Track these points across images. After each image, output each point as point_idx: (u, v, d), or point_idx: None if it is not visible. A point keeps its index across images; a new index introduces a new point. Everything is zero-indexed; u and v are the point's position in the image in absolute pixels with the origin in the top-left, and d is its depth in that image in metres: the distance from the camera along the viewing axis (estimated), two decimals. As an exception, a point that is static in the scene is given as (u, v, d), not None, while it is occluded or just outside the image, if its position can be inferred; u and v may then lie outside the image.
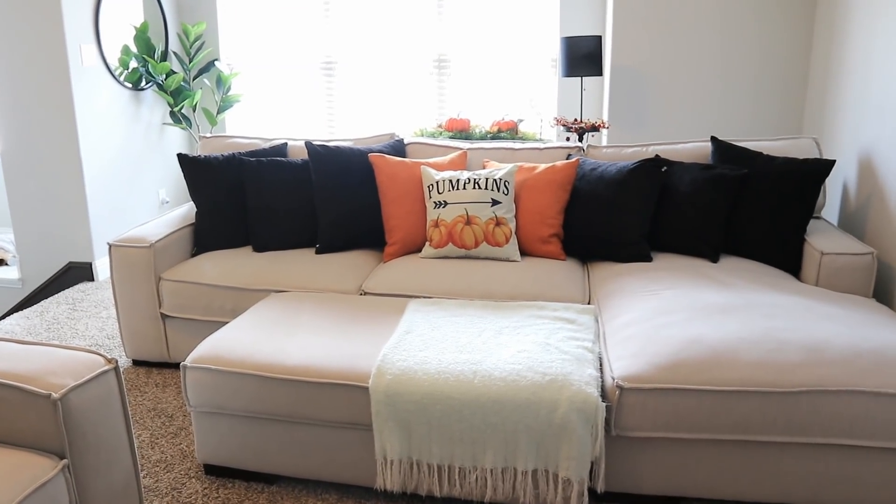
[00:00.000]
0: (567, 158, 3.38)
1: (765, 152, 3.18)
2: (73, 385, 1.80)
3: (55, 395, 1.76)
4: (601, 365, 2.24)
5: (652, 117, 4.61)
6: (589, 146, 3.45)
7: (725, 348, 2.13)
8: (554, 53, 5.00)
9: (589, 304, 2.80)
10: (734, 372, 2.06)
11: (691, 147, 3.31)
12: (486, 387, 2.06)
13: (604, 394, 2.12)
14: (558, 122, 4.38)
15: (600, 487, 2.13)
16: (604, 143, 4.79)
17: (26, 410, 1.79)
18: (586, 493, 2.09)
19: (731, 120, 4.55)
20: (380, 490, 2.32)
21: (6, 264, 5.17)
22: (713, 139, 3.23)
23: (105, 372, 1.90)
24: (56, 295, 4.36)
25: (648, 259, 3.01)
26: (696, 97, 4.55)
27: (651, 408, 2.07)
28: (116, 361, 1.94)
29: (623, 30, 4.50)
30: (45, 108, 4.42)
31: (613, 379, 2.10)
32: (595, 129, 4.33)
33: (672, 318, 2.34)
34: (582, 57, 4.29)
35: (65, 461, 1.78)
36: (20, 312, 4.07)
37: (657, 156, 3.11)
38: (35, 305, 4.19)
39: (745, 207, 3.01)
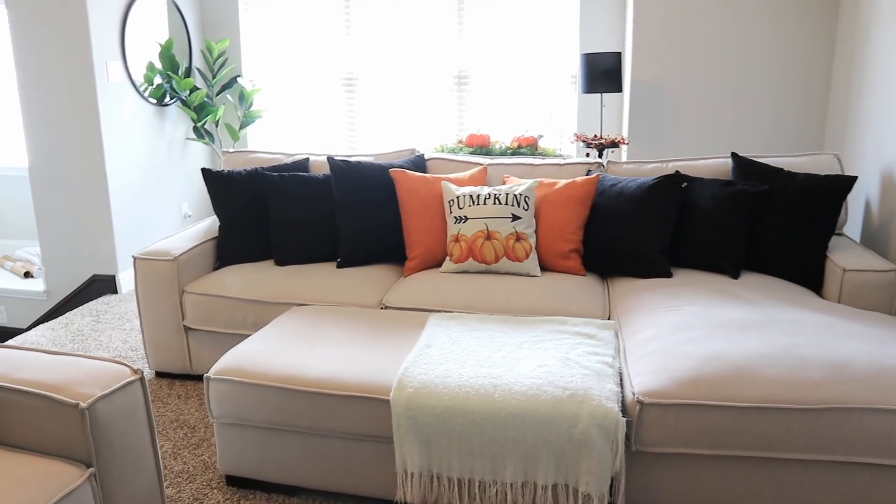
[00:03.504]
0: (587, 174, 3.39)
1: (786, 168, 3.17)
2: (100, 395, 1.83)
3: (83, 405, 1.79)
4: (621, 380, 2.24)
5: (671, 133, 4.61)
6: (609, 162, 3.46)
7: (746, 364, 2.13)
8: (574, 70, 5.02)
9: (609, 319, 2.80)
10: (755, 388, 2.05)
11: (711, 163, 3.32)
12: (507, 401, 2.07)
13: (624, 409, 2.12)
14: (578, 137, 4.40)
15: (620, 503, 2.12)
16: (623, 158, 4.80)
17: (54, 419, 1.82)
18: (606, 508, 2.09)
19: (752, 136, 4.55)
20: (400, 503, 2.32)
21: (32, 277, 5.24)
22: (734, 155, 3.24)
23: (131, 382, 1.94)
24: (80, 307, 4.42)
25: (668, 275, 3.01)
26: (716, 113, 4.55)
27: (671, 423, 2.07)
28: (142, 372, 1.97)
29: (643, 46, 4.52)
30: (72, 124, 4.51)
31: (634, 394, 2.10)
32: (615, 144, 4.34)
33: (692, 334, 2.34)
34: (602, 73, 4.31)
35: (91, 469, 1.81)
36: (46, 324, 4.13)
37: (677, 172, 3.11)
38: (60, 317, 4.25)
39: (766, 224, 3.00)
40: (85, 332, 3.94)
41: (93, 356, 2.02)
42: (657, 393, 2.08)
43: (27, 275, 5.25)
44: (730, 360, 2.15)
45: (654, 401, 2.06)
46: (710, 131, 4.59)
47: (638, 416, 2.07)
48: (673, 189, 3.05)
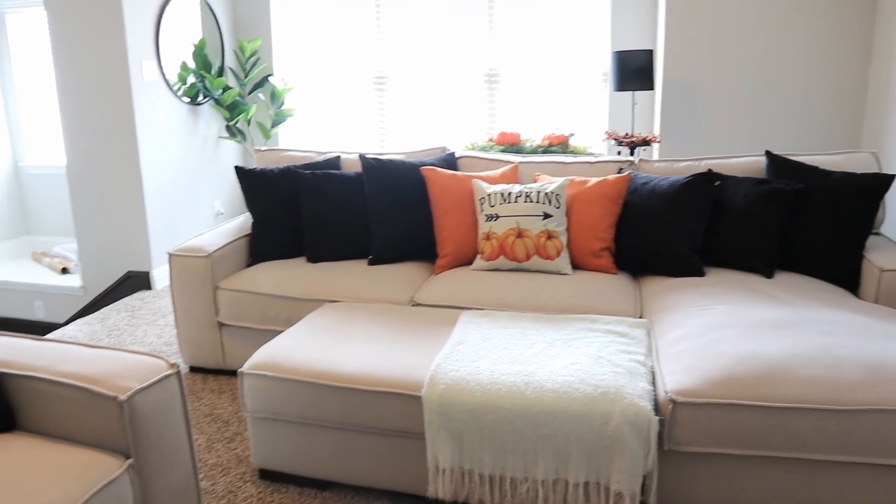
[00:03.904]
0: (618, 172, 3.38)
1: (821, 167, 3.13)
2: (138, 388, 1.87)
3: (121, 397, 1.82)
4: (654, 379, 2.23)
5: (704, 131, 4.57)
6: (640, 160, 3.44)
7: (781, 364, 2.10)
8: (605, 67, 5.00)
9: (641, 318, 2.79)
10: (790, 388, 2.03)
11: (745, 161, 3.28)
12: (539, 398, 2.07)
13: (657, 408, 2.11)
14: (609, 136, 4.38)
15: (652, 501, 2.11)
16: (655, 157, 4.77)
17: (94, 411, 1.86)
18: (638, 507, 2.08)
19: (787, 134, 4.49)
20: (431, 498, 2.33)
21: (69, 273, 5.34)
22: (768, 153, 3.20)
23: (168, 376, 1.97)
24: (116, 302, 4.50)
25: (701, 274, 2.99)
26: (749, 111, 4.50)
27: (704, 423, 2.05)
28: (178, 366, 2.00)
29: (675, 44, 4.48)
30: (108, 123, 4.58)
31: (667, 393, 2.09)
32: (646, 143, 4.31)
33: (726, 334, 2.32)
34: (633, 71, 4.28)
35: (130, 461, 1.84)
36: (82, 319, 4.21)
37: (710, 170, 3.09)
38: (96, 312, 4.33)
39: (801, 222, 2.97)
40: (120, 327, 4.01)
41: (131, 350, 2.05)
42: (690, 392, 2.07)
43: (64, 271, 5.35)
44: (764, 359, 2.13)
45: (686, 400, 2.05)
46: (743, 129, 4.54)
47: (671, 414, 2.06)
48: (706, 187, 3.02)
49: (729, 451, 2.06)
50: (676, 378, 2.14)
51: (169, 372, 1.97)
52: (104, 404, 1.84)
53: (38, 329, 5.19)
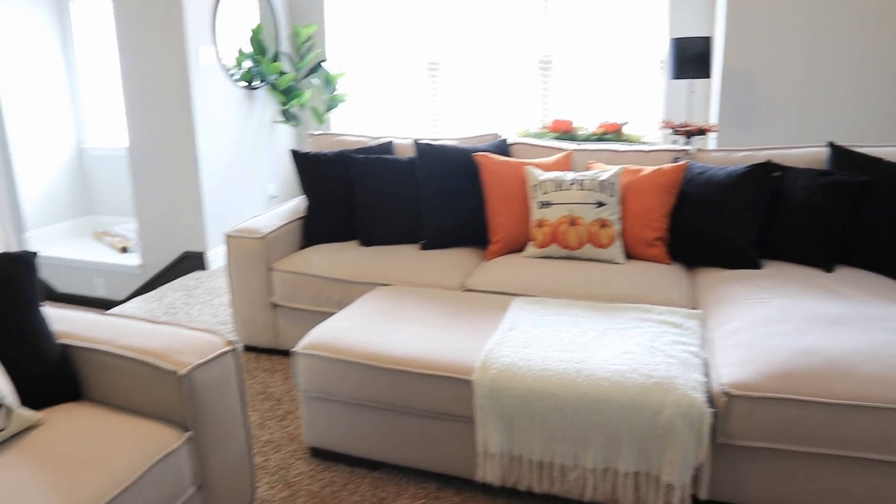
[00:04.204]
0: (674, 162, 3.33)
1: (886, 159, 3.03)
2: (197, 363, 1.92)
3: (181, 372, 1.88)
4: (707, 371, 2.20)
5: (764, 121, 4.47)
6: (697, 149, 3.38)
7: (840, 360, 2.06)
8: (662, 55, 4.91)
9: (694, 309, 2.75)
10: (849, 385, 1.98)
11: (806, 152, 3.20)
12: (591, 386, 2.07)
13: (710, 400, 2.08)
14: (665, 124, 4.31)
15: (703, 494, 2.09)
16: (711, 146, 4.68)
17: (154, 384, 1.91)
18: (689, 499, 2.06)
19: (849, 125, 4.36)
20: (479, 482, 2.35)
21: (129, 252, 5.49)
22: (830, 144, 3.11)
23: (225, 353, 2.02)
24: (172, 282, 4.61)
25: (757, 266, 2.93)
26: (811, 100, 4.38)
27: (759, 417, 2.02)
28: (235, 344, 2.04)
29: (736, 30, 4.38)
30: (167, 107, 4.69)
31: (721, 385, 2.06)
32: (703, 132, 4.23)
33: (783, 327, 2.28)
34: (691, 58, 4.20)
35: (188, 434, 1.90)
36: (140, 297, 4.32)
37: (769, 160, 3.02)
38: (154, 291, 4.44)
39: (863, 216, 2.88)
40: (177, 306, 4.11)
41: (190, 326, 2.11)
42: (745, 385, 2.03)
43: (124, 250, 5.50)
44: (822, 354, 2.09)
45: (741, 393, 2.02)
46: (803, 119, 4.42)
47: (725, 407, 2.03)
48: (764, 178, 2.96)
49: (784, 447, 2.03)
50: (731, 371, 2.10)
51: (226, 349, 2.02)
52: (164, 378, 1.89)
53: (99, 305, 5.35)
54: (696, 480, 2.10)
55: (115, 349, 1.97)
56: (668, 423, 2.00)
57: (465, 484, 2.39)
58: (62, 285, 5.60)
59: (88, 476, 1.65)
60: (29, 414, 1.81)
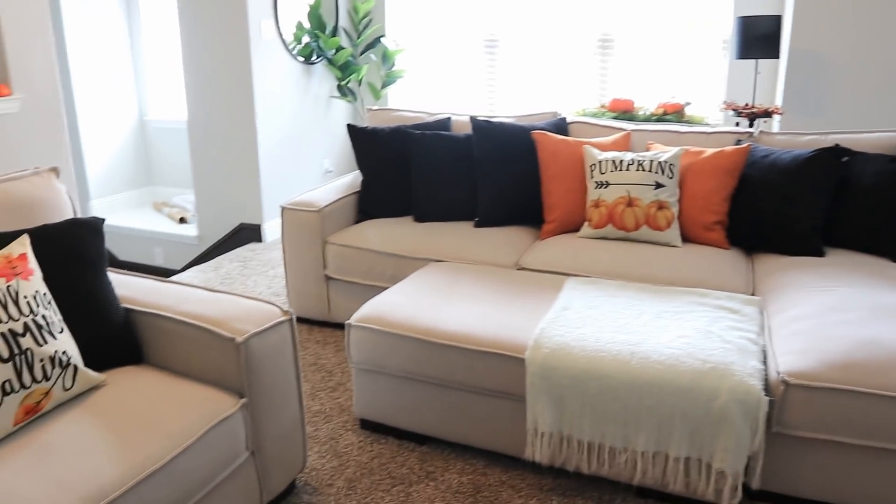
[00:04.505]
0: (736, 144, 3.24)
1: (964, 145, 2.91)
2: (254, 331, 1.95)
3: (238, 339, 1.91)
4: (765, 359, 2.15)
5: (833, 104, 4.31)
6: (761, 132, 3.29)
7: (907, 352, 1.99)
8: (726, 34, 4.78)
9: (753, 295, 2.69)
10: (916, 378, 1.92)
11: (877, 137, 3.08)
12: (644, 368, 2.04)
13: (767, 388, 2.04)
14: (728, 106, 4.20)
15: (755, 484, 2.06)
16: (776, 129, 4.54)
17: (213, 350, 1.96)
18: (740, 487, 2.03)
19: (924, 110, 4.18)
20: (527, 461, 2.35)
21: (186, 222, 5.62)
22: (904, 129, 2.99)
23: (281, 322, 2.05)
24: (228, 253, 4.70)
25: (820, 254, 2.85)
26: (885, 83, 4.20)
27: (817, 407, 1.97)
28: (292, 314, 2.07)
29: (805, 9, 4.23)
30: (227, 81, 4.75)
31: (779, 373, 2.02)
32: (767, 114, 4.12)
33: (846, 317, 2.21)
34: (758, 38, 4.08)
35: (244, 400, 1.94)
36: (197, 266, 4.42)
37: (837, 145, 2.92)
38: (210, 261, 4.54)
39: (936, 204, 2.77)
40: (232, 276, 4.20)
41: (247, 296, 2.14)
42: (804, 374, 1.98)
43: (182, 220, 5.63)
44: (887, 346, 2.02)
45: (800, 382, 1.97)
46: (875, 103, 4.25)
47: (782, 396, 1.99)
48: (831, 163, 2.86)
49: (843, 440, 1.98)
50: (790, 359, 2.05)
51: (283, 319, 2.05)
52: (222, 345, 1.93)
53: (157, 274, 5.49)
54: (748, 469, 2.06)
55: (175, 315, 2.01)
56: (722, 410, 1.97)
57: (512, 462, 2.39)
58: (122, 254, 5.76)
59: (149, 436, 1.70)
60: (93, 375, 1.87)
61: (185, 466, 1.73)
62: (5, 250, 1.80)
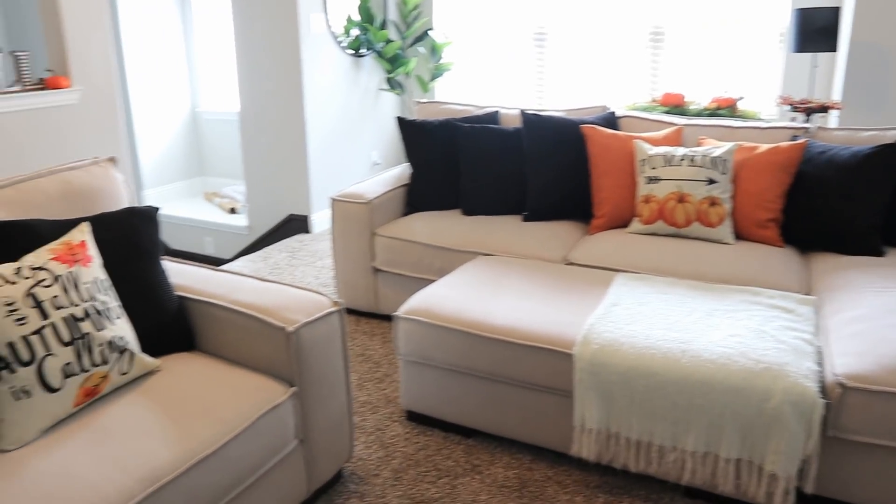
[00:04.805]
0: (792, 140, 3.16)
1: None
2: (304, 321, 1.98)
3: (289, 329, 1.94)
4: (821, 360, 2.10)
5: (893, 99, 4.18)
6: (818, 127, 3.20)
7: (973, 356, 1.92)
8: (782, 26, 4.66)
9: (808, 295, 2.62)
10: (982, 383, 1.85)
11: (942, 133, 2.98)
12: (695, 367, 2.01)
13: (823, 391, 1.99)
14: (783, 100, 4.10)
15: (809, 488, 2.01)
16: (833, 125, 4.42)
17: (264, 339, 1.98)
18: (793, 491, 1.98)
19: None
20: (574, 457, 2.34)
21: (236, 213, 5.70)
22: (971, 125, 2.89)
23: (331, 313, 2.07)
24: (277, 243, 4.76)
25: (879, 253, 2.77)
26: (950, 79, 4.06)
27: (876, 412, 1.92)
28: (341, 305, 2.09)
29: (868, 1, 4.10)
30: (277, 73, 4.80)
31: (835, 376, 1.96)
32: (824, 109, 4.01)
33: (907, 318, 2.14)
34: (816, 30, 3.97)
35: (294, 389, 1.96)
36: (247, 256, 4.49)
37: (900, 141, 2.83)
38: (259, 251, 4.60)
39: None
40: (281, 266, 4.25)
41: (298, 286, 2.17)
42: (862, 377, 1.93)
43: (232, 211, 5.72)
44: (952, 349, 1.96)
45: (858, 385, 1.92)
46: (939, 99, 4.11)
47: (838, 399, 1.94)
48: (892, 160, 2.78)
49: (902, 445, 1.92)
50: (847, 361, 2.00)
51: (333, 309, 2.07)
52: (273, 334, 1.96)
53: (207, 263, 5.59)
54: (801, 473, 2.02)
55: (228, 304, 2.05)
56: (775, 412, 1.92)
57: (558, 457, 2.38)
58: (173, 242, 5.88)
59: (202, 421, 1.73)
60: (149, 360, 1.91)
61: (236, 452, 1.76)
62: (66, 237, 1.85)
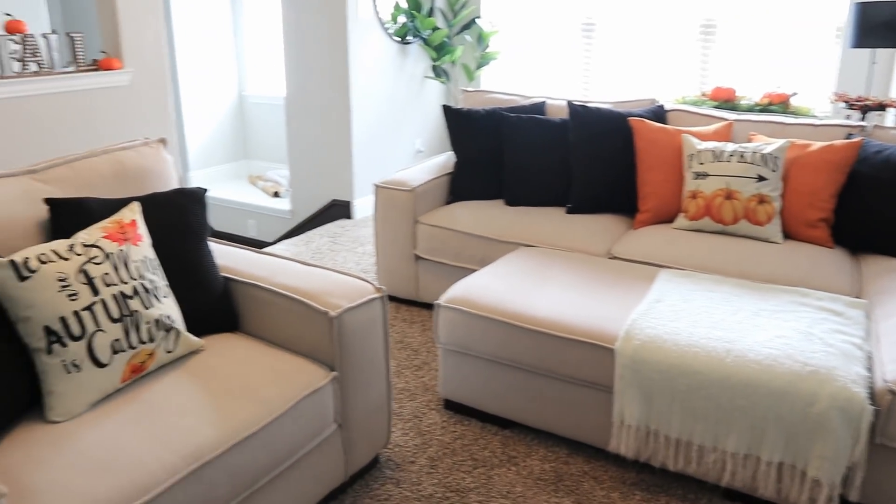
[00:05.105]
0: (847, 138, 3.08)
1: None
2: (347, 306, 1.99)
3: (332, 313, 1.95)
4: (871, 365, 2.04)
5: (955, 99, 4.04)
6: (875, 126, 3.11)
7: None
8: (840, 21, 4.53)
9: (859, 298, 2.56)
10: None
11: None
12: (739, 367, 1.97)
13: (871, 397, 1.94)
14: (838, 97, 4.00)
15: (854, 496, 1.96)
16: (890, 123, 4.30)
17: (306, 323, 2.00)
18: (836, 499, 1.94)
19: None
20: (611, 452, 2.32)
21: (280, 196, 5.76)
22: None
23: (374, 299, 2.08)
24: (319, 228, 4.80)
25: (936, 257, 2.69)
26: None
27: (927, 420, 1.86)
28: (384, 291, 2.10)
29: (931, -3, 3.96)
30: (324, 58, 4.82)
31: (886, 382, 1.91)
32: (882, 107, 3.90)
33: (963, 326, 2.08)
34: (878, 25, 3.85)
35: (334, 373, 1.98)
36: (289, 240, 4.54)
37: (962, 142, 2.73)
38: (302, 235, 4.64)
39: None
40: (322, 251, 4.28)
41: (341, 271, 2.18)
42: (915, 384, 1.88)
43: (276, 194, 5.78)
44: None
45: (909, 392, 1.87)
46: None
47: (889, 406, 1.89)
48: (954, 161, 2.69)
49: (954, 455, 1.87)
50: (899, 367, 1.95)
51: (375, 295, 2.08)
52: (316, 318, 1.97)
53: (250, 245, 5.66)
54: (846, 480, 1.97)
55: (272, 286, 2.07)
56: (821, 416, 1.88)
57: (596, 452, 2.37)
58: (217, 224, 5.96)
59: (244, 402, 1.75)
60: (194, 339, 1.94)
61: (277, 434, 1.78)
62: (117, 216, 1.88)
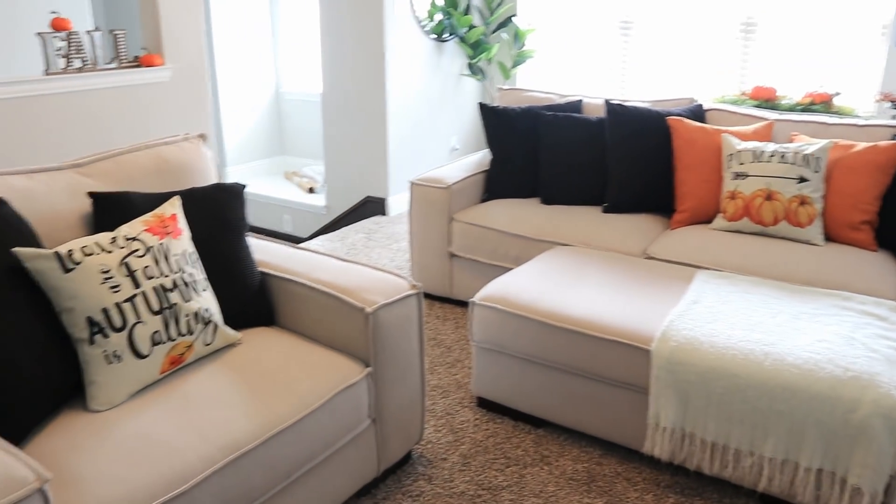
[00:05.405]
0: (892, 139, 3.01)
1: None
2: (383, 303, 1.99)
3: (368, 309, 1.96)
4: (915, 371, 2.00)
5: None
6: (922, 127, 3.04)
7: None
8: (886, 19, 4.43)
9: (903, 302, 2.50)
10: None
11: None
12: (778, 371, 1.94)
13: (916, 403, 1.89)
14: (884, 97, 3.91)
15: (895, 504, 1.92)
16: (936, 125, 4.19)
17: (342, 319, 2.01)
18: (878, 507, 1.90)
19: None
20: (645, 454, 2.30)
21: (315, 192, 5.80)
22: None
23: (409, 296, 2.08)
24: (354, 224, 4.83)
25: (984, 262, 2.61)
26: None
27: (973, 429, 1.82)
28: (419, 288, 2.10)
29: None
30: (361, 55, 4.85)
31: (931, 388, 1.87)
32: (929, 108, 3.80)
33: None
34: (925, 25, 3.75)
35: (369, 369, 1.99)
36: (324, 235, 4.57)
37: None
38: (336, 231, 4.67)
39: None
40: (357, 247, 4.31)
41: (377, 267, 2.19)
42: (961, 391, 1.83)
43: (311, 190, 5.82)
44: None
45: (955, 399, 1.82)
46: None
47: (933, 413, 1.84)
48: None
49: None
50: (945, 374, 1.90)
51: (411, 292, 2.08)
52: (352, 313, 1.98)
53: (285, 240, 5.71)
54: (889, 489, 1.93)
55: (308, 281, 2.08)
56: (862, 423, 1.84)
57: (629, 454, 2.35)
58: (252, 219, 6.03)
59: (280, 395, 1.77)
60: (231, 332, 1.97)
61: (312, 428, 1.79)
62: (158, 210, 1.91)
